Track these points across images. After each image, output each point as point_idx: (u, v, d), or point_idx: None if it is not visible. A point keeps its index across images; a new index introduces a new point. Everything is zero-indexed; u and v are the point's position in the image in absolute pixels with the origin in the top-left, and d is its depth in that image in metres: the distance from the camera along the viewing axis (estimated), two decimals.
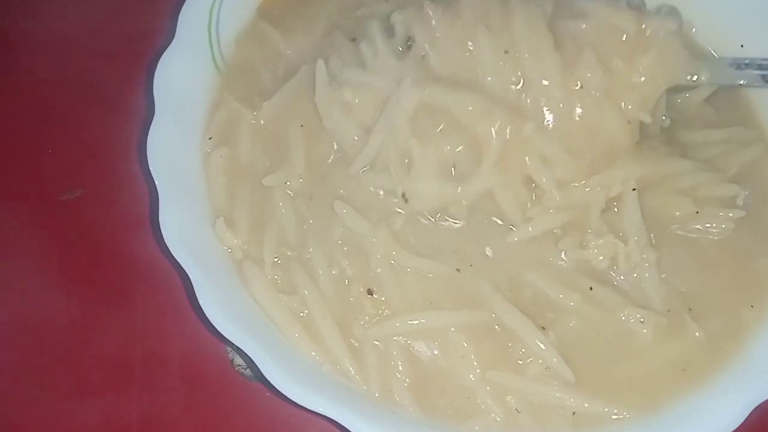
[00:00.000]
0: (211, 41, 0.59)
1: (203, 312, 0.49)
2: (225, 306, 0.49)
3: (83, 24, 0.66)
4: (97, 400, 0.56)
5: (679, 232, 0.56)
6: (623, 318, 0.53)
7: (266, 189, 0.56)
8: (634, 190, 0.55)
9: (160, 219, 0.51)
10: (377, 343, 0.52)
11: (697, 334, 0.53)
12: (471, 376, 0.51)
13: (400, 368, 0.51)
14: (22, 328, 0.58)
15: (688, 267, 0.55)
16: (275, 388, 0.47)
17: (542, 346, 0.51)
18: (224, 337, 0.48)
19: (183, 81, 0.56)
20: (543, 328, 0.52)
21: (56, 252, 0.61)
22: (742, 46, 0.62)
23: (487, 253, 0.54)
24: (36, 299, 0.59)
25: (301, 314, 0.52)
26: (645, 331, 0.53)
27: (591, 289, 0.53)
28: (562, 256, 0.54)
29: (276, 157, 0.58)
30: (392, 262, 0.53)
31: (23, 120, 0.65)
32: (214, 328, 0.48)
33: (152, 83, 0.55)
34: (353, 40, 0.60)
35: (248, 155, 0.57)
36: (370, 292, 0.52)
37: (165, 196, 0.52)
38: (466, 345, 0.51)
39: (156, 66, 0.55)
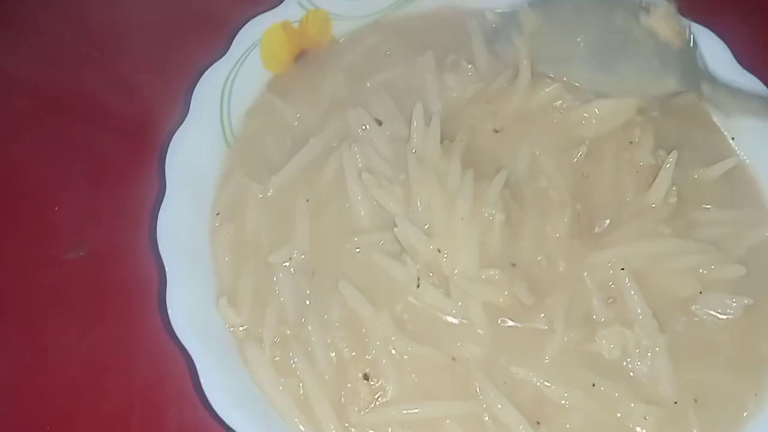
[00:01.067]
0: (222, 118, 0.61)
1: (204, 394, 0.50)
2: (226, 390, 0.50)
3: (101, 96, 0.67)
4: None
5: (684, 314, 0.57)
6: (624, 414, 0.53)
7: (270, 265, 0.57)
8: (622, 270, 0.56)
9: (167, 299, 0.52)
10: (372, 431, 0.52)
11: (694, 430, 0.53)
12: None
13: None
14: (21, 386, 0.58)
15: (695, 351, 0.56)
16: None
17: None
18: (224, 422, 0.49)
19: (195, 158, 0.58)
20: (538, 423, 0.52)
21: (57, 310, 0.62)
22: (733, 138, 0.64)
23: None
24: (34, 358, 0.59)
25: (300, 395, 0.53)
26: (645, 429, 0.53)
27: (594, 385, 0.53)
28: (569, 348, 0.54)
29: (281, 233, 0.58)
30: (390, 347, 0.54)
31: (32, 176, 0.66)
32: (215, 411, 0.49)
33: (164, 160, 0.56)
34: (380, 123, 0.62)
35: (254, 231, 0.58)
36: (366, 377, 0.53)
37: (173, 275, 0.53)
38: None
39: (169, 143, 0.57)
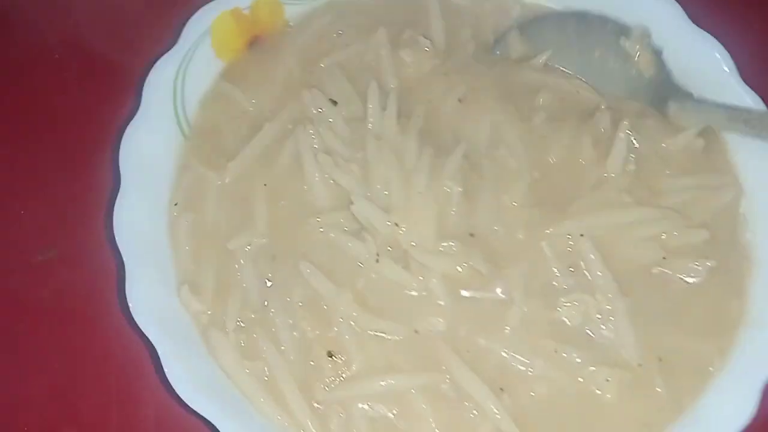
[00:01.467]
0: (176, 108, 0.61)
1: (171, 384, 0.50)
2: (191, 376, 0.50)
3: (52, 93, 0.67)
4: None
5: (647, 279, 0.57)
6: (587, 379, 0.53)
7: (230, 252, 0.57)
8: (582, 236, 0.56)
9: (127, 291, 0.52)
10: (338, 406, 0.52)
11: (658, 389, 0.53)
12: None
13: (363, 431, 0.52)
14: None
15: (660, 313, 0.56)
16: None
17: (495, 410, 0.52)
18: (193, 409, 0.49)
19: (149, 150, 0.58)
20: (501, 390, 0.52)
21: (30, 313, 0.62)
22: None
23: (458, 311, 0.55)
24: (10, 363, 0.60)
25: (265, 378, 0.53)
26: (609, 394, 0.53)
27: (556, 351, 0.54)
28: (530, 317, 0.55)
29: (240, 219, 0.58)
30: (352, 323, 0.54)
31: None
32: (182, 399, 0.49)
33: (118, 154, 0.56)
34: (335, 103, 0.62)
35: (213, 219, 0.59)
36: (330, 354, 0.53)
37: (131, 267, 0.53)
38: (424, 407, 0.52)
39: (122, 136, 0.57)
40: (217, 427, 0.49)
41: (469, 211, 0.57)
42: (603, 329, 0.54)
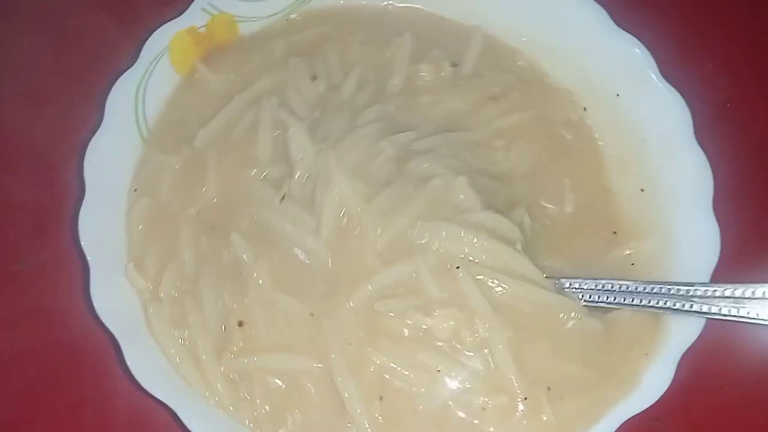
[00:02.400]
0: (138, 122, 0.64)
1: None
2: (152, 366, 0.55)
3: (21, 110, 0.71)
4: None
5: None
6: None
7: (176, 229, 0.60)
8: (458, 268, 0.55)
9: (91, 291, 0.56)
10: (242, 374, 0.56)
11: (544, 417, 0.54)
12: (319, 417, 0.55)
13: (262, 400, 0.56)
14: None
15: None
16: None
17: (361, 416, 0.54)
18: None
19: (112, 162, 0.61)
20: (381, 398, 0.55)
21: (8, 320, 0.65)
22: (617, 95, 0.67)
23: (348, 306, 0.56)
24: None
25: (189, 345, 0.57)
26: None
27: (439, 371, 0.55)
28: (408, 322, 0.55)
29: (191, 194, 0.62)
30: (263, 296, 0.57)
31: None
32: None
33: (82, 166, 0.60)
34: (314, 78, 0.65)
35: (166, 198, 0.62)
36: (240, 324, 0.57)
37: (95, 268, 0.57)
38: (313, 391, 0.56)
39: (86, 149, 0.60)
40: (180, 415, 0.53)
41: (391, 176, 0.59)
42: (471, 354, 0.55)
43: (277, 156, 0.62)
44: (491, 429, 0.54)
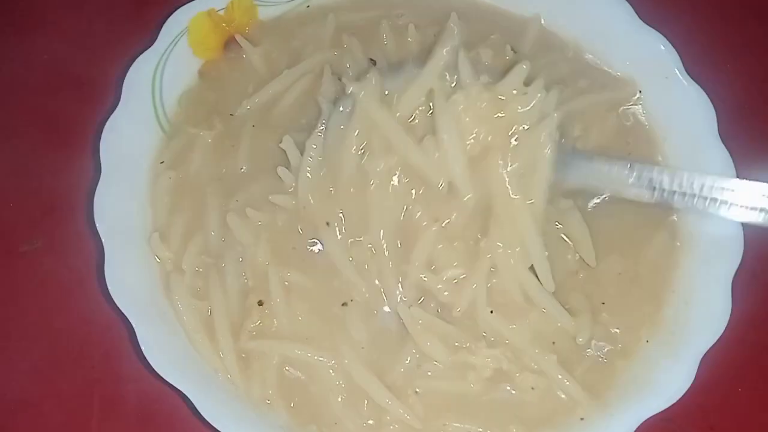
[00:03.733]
0: (155, 104, 0.64)
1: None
2: (167, 352, 0.54)
3: (38, 89, 0.71)
4: None
5: None
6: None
7: (202, 202, 0.60)
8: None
9: (105, 273, 0.55)
10: (257, 356, 0.56)
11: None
12: (338, 403, 0.55)
13: (278, 385, 0.55)
14: None
15: None
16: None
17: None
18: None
19: (127, 143, 0.61)
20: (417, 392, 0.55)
21: (17, 300, 0.65)
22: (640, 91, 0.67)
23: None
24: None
25: (207, 317, 0.57)
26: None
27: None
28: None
29: (222, 167, 0.62)
30: (286, 283, 0.57)
31: None
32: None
33: (99, 146, 0.59)
34: (373, 62, 0.65)
35: (195, 171, 0.62)
36: (260, 303, 0.57)
37: (110, 250, 0.56)
38: (337, 382, 0.55)
39: (103, 129, 0.60)
40: (189, 397, 0.52)
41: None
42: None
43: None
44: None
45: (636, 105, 0.66)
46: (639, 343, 0.57)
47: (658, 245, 0.61)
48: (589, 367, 0.56)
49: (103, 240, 0.56)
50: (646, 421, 0.53)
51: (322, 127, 0.58)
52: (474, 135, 0.54)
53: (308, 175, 0.58)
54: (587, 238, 0.59)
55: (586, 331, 0.56)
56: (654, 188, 0.57)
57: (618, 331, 0.58)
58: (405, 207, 0.56)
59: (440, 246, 0.56)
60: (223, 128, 0.63)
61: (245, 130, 0.63)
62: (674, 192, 0.56)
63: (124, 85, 0.61)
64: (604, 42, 0.67)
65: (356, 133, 0.56)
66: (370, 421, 0.55)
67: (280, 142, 0.59)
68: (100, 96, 0.64)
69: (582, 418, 0.54)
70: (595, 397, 0.55)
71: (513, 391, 0.55)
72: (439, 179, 0.55)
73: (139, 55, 0.63)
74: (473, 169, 0.55)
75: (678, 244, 0.61)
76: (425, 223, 0.56)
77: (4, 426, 0.60)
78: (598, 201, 0.61)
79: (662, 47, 0.64)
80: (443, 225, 0.56)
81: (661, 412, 0.53)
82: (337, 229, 0.58)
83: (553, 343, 0.56)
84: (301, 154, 0.58)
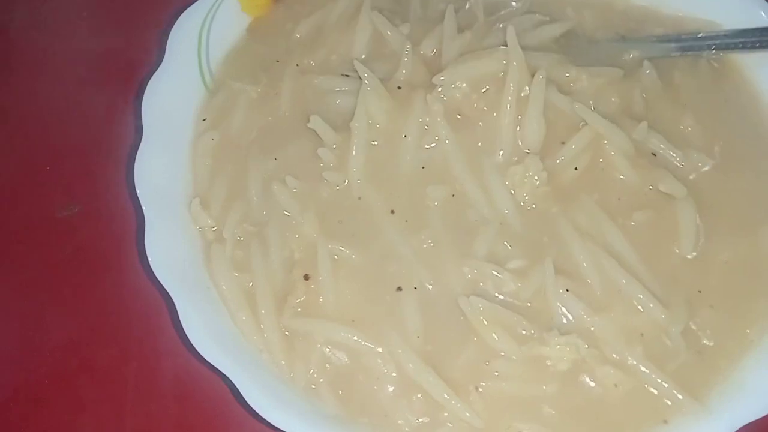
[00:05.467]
0: (200, 62, 0.60)
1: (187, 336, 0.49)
2: (208, 329, 0.50)
3: (78, 45, 0.67)
4: (90, 418, 0.57)
5: None
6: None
7: (246, 166, 0.57)
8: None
9: (146, 243, 0.52)
10: (301, 336, 0.52)
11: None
12: (388, 394, 0.51)
13: (323, 370, 0.52)
14: (19, 343, 0.59)
15: None
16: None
17: (447, 397, 0.49)
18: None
19: (172, 103, 0.57)
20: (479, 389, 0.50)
21: (53, 268, 0.62)
22: None
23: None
24: (32, 315, 0.60)
25: (249, 289, 0.53)
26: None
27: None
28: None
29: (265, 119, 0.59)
30: (336, 257, 0.54)
31: (24, 138, 0.67)
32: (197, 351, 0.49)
33: (140, 106, 0.55)
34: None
35: (238, 130, 0.59)
36: (306, 278, 0.53)
37: (151, 219, 0.53)
38: (386, 371, 0.51)
39: (145, 88, 0.56)
40: (232, 379, 0.49)
41: None
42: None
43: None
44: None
45: None
46: (743, 342, 0.52)
47: None
48: (681, 364, 0.50)
49: (144, 208, 0.53)
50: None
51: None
52: None
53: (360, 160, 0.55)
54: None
55: (680, 322, 0.51)
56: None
57: (719, 327, 0.52)
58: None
59: (502, 240, 0.53)
60: (268, 80, 0.60)
61: (288, 71, 0.60)
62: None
63: (168, 42, 0.58)
64: None
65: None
66: (425, 419, 0.50)
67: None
68: (142, 52, 0.61)
69: (665, 421, 0.49)
70: (693, 397, 0.50)
71: (593, 385, 0.50)
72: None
73: (184, 10, 0.59)
74: None
75: None
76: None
77: (37, 398, 0.58)
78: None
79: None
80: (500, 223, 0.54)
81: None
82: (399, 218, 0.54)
83: (642, 335, 0.51)
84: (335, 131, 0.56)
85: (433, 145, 0.57)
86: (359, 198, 0.56)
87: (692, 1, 0.65)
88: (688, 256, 0.54)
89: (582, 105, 0.56)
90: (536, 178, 0.55)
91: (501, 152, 0.56)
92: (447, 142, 0.56)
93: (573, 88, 0.58)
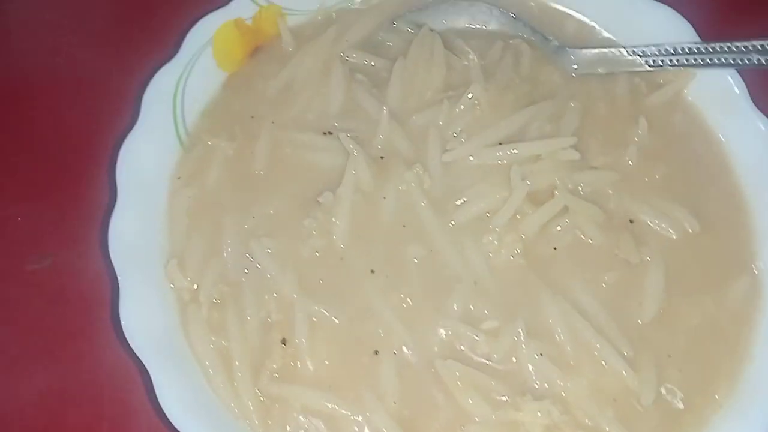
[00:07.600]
0: (176, 120, 0.60)
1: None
2: (183, 399, 0.50)
3: (53, 101, 0.66)
4: None
5: None
6: None
7: (221, 225, 0.57)
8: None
9: (120, 311, 0.51)
10: (278, 402, 0.52)
11: None
12: None
13: None
14: None
15: None
16: None
17: None
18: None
19: (147, 163, 0.57)
20: None
21: (23, 323, 0.61)
22: None
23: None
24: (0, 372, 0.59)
25: (226, 354, 0.53)
26: None
27: None
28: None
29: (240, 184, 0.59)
30: (314, 319, 0.54)
31: None
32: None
33: (115, 167, 0.55)
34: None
35: (213, 188, 0.58)
36: (284, 342, 0.53)
37: (125, 285, 0.52)
38: None
39: (120, 148, 0.56)
40: None
41: None
42: None
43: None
44: None
45: None
46: (713, 404, 0.53)
47: (740, 290, 0.56)
48: (654, 428, 0.51)
49: (118, 274, 0.52)
50: None
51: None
52: None
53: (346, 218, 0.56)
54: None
55: (650, 390, 0.52)
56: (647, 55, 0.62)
57: (689, 390, 0.53)
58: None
59: (477, 300, 0.53)
60: (243, 136, 0.60)
61: (265, 127, 0.60)
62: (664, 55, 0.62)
63: (144, 99, 0.58)
64: None
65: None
66: None
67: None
68: (117, 111, 0.60)
69: None
70: None
71: None
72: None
73: (159, 68, 0.58)
74: None
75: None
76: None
77: None
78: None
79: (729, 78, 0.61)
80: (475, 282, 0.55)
81: None
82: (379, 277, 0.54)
83: (614, 400, 0.52)
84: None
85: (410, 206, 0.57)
86: (341, 258, 0.56)
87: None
88: (652, 317, 0.55)
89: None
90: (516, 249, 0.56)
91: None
92: (422, 204, 0.57)
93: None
